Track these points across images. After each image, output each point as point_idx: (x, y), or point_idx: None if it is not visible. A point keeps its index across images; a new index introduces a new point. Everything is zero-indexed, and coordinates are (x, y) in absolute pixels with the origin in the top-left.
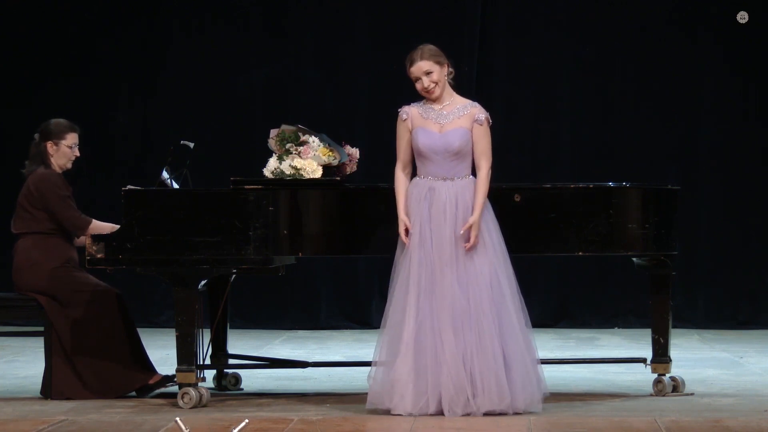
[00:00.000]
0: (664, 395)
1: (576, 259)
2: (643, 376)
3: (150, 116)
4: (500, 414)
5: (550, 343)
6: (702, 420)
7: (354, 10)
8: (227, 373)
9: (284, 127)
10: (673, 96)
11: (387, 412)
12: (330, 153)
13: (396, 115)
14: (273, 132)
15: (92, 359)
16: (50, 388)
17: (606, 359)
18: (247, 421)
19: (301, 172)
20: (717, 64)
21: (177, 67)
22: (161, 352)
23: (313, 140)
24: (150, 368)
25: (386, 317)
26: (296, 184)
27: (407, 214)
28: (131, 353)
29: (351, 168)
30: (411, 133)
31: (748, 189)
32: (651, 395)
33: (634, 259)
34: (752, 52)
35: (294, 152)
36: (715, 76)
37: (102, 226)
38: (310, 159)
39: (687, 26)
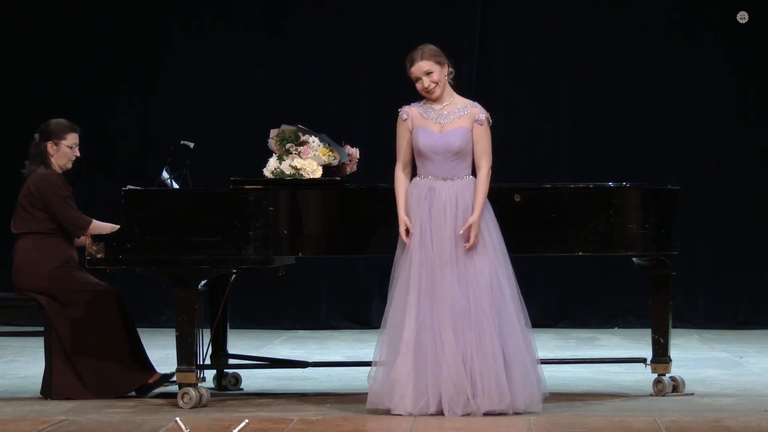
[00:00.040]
0: (664, 395)
1: (576, 259)
2: (643, 376)
3: (150, 116)
4: (500, 414)
5: (550, 343)
6: (702, 420)
7: (354, 10)
8: (227, 373)
9: (284, 127)
10: (673, 96)
11: (387, 412)
12: (330, 153)
13: (396, 115)
14: (273, 132)
15: (92, 359)
16: (50, 388)
17: (606, 359)
18: (247, 421)
19: (301, 172)
20: (717, 64)
21: (177, 67)
22: (161, 352)
23: (313, 140)
24: (149, 368)
25: (386, 317)
26: (296, 184)
27: (407, 214)
28: (131, 353)
29: (351, 168)
30: (411, 133)
31: (748, 189)
32: (651, 395)
33: (634, 259)
34: (752, 52)
35: (294, 152)
36: (715, 76)
37: (102, 226)
38: (310, 159)
39: (687, 26)
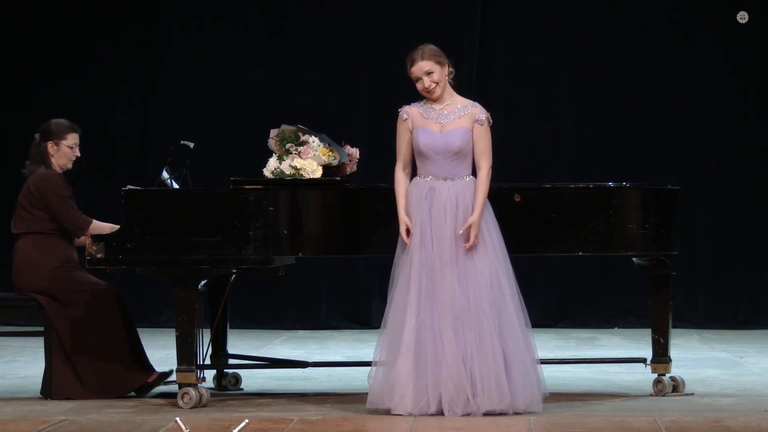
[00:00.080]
0: (664, 395)
1: (576, 259)
2: (643, 376)
3: (150, 116)
4: (500, 414)
5: (550, 343)
6: (702, 420)
7: (354, 10)
8: (227, 373)
9: (284, 127)
10: (673, 96)
11: (387, 412)
12: (330, 153)
13: (396, 115)
14: (273, 132)
15: (92, 359)
16: (50, 388)
17: (606, 359)
18: (247, 421)
19: (301, 172)
20: (717, 64)
21: (177, 67)
22: (161, 352)
23: (313, 140)
24: (149, 368)
25: (386, 317)
26: (296, 184)
27: (407, 214)
28: (131, 353)
29: (351, 168)
30: (411, 133)
31: (748, 189)
32: (651, 395)
33: (634, 259)
34: (752, 52)
35: (294, 152)
36: (715, 76)
37: (102, 227)
38: (310, 159)
39: (687, 26)
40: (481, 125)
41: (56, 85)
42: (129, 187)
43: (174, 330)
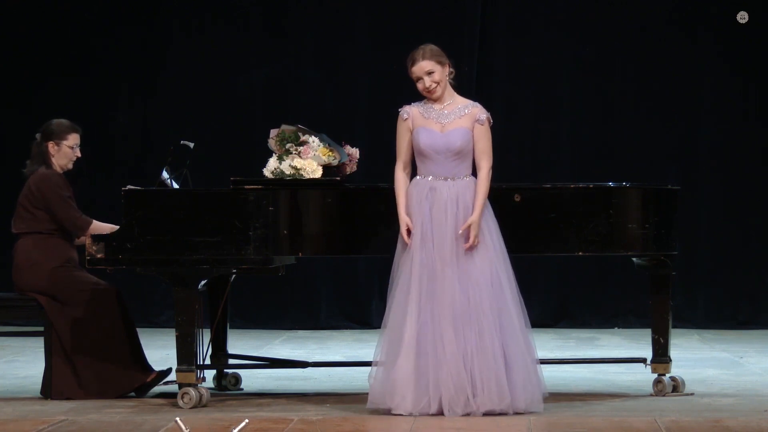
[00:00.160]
0: (664, 395)
1: (576, 259)
2: (643, 376)
3: (150, 116)
4: (500, 414)
5: (550, 343)
6: (702, 420)
7: (354, 10)
8: (227, 373)
9: (284, 127)
10: (673, 96)
11: (388, 412)
12: (330, 153)
13: (396, 115)
14: (273, 132)
15: (92, 359)
16: (50, 388)
17: (606, 359)
18: (247, 421)
19: (301, 172)
20: (717, 64)
21: (177, 67)
22: (161, 352)
23: (313, 140)
24: (148, 368)
25: (387, 317)
26: (296, 184)
27: (408, 214)
28: (131, 353)
29: (351, 168)
30: (412, 132)
31: (748, 189)
32: (651, 395)
33: (634, 259)
34: (752, 52)
35: (294, 152)
36: (715, 76)
37: (102, 227)
38: (310, 159)
39: (687, 26)
40: (482, 125)
41: (56, 85)
42: (129, 187)
43: (174, 330)
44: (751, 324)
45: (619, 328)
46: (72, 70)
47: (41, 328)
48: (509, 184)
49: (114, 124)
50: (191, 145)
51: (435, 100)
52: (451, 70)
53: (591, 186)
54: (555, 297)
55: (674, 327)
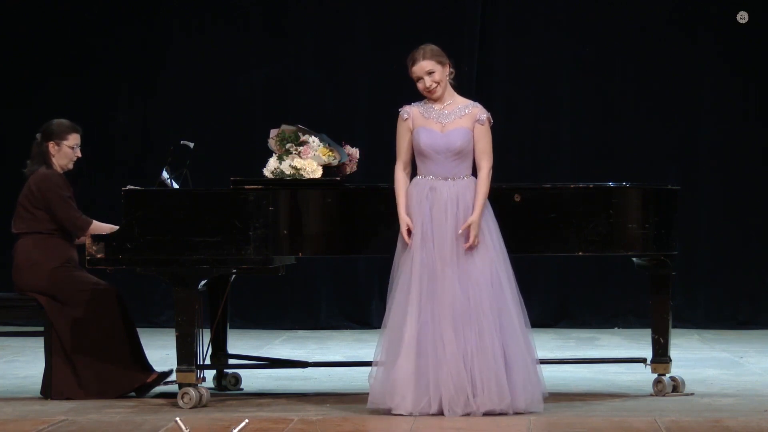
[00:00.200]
0: (664, 395)
1: (576, 259)
2: (643, 376)
3: (150, 116)
4: (500, 414)
5: (550, 343)
6: (702, 420)
7: (354, 10)
8: (227, 373)
9: (284, 127)
10: (673, 96)
11: (388, 412)
12: (330, 153)
13: (396, 115)
14: (273, 132)
15: (92, 359)
16: (50, 388)
17: (606, 359)
18: (247, 421)
19: (301, 172)
20: (717, 64)
21: (177, 67)
22: (161, 352)
23: (313, 140)
24: (148, 368)
25: (387, 317)
26: (296, 184)
27: (408, 214)
28: (131, 353)
29: (351, 168)
30: (412, 132)
31: (748, 189)
32: (651, 395)
33: (634, 259)
34: (752, 52)
35: (294, 152)
36: (715, 76)
37: (102, 227)
38: (310, 159)
39: (687, 26)
40: (482, 125)
41: (56, 85)
42: (129, 187)
43: (174, 330)
44: (751, 324)
45: (619, 328)
46: (72, 70)
47: (41, 328)
48: (509, 184)
49: (114, 124)
50: (191, 145)
51: (435, 100)
52: (452, 70)
53: (591, 186)
54: (555, 297)
55: (674, 327)
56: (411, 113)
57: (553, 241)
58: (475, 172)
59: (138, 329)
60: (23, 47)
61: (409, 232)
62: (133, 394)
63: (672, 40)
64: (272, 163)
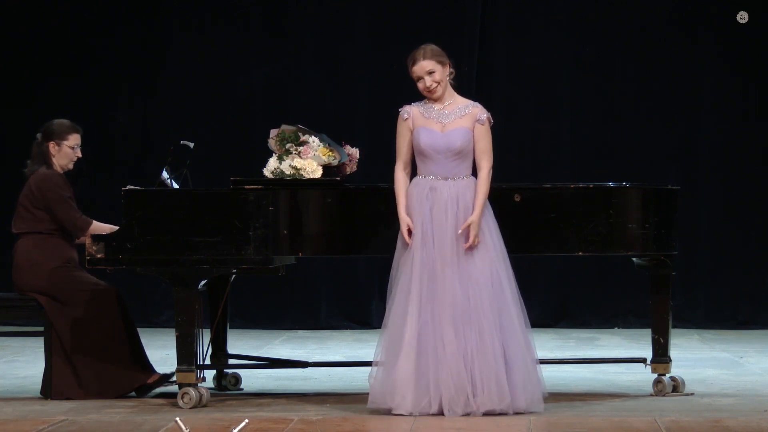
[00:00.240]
0: (664, 395)
1: (576, 259)
2: (643, 376)
3: (150, 116)
4: (500, 414)
5: (550, 343)
6: (702, 420)
7: (354, 10)
8: (227, 373)
9: (284, 127)
10: (673, 96)
11: (388, 412)
12: (330, 153)
13: (396, 115)
14: (273, 132)
15: (92, 359)
16: (50, 388)
17: (606, 359)
18: (247, 421)
19: (301, 172)
20: (717, 64)
21: (177, 67)
22: (161, 352)
23: (313, 140)
24: (149, 368)
25: (387, 317)
26: (296, 184)
27: (408, 214)
28: (131, 353)
29: (351, 168)
30: (412, 132)
31: (748, 189)
32: (651, 395)
33: (634, 259)
34: (752, 52)
35: (294, 152)
36: (715, 76)
37: (102, 228)
38: (310, 159)
39: (687, 26)
40: (482, 125)
41: (56, 85)
42: (129, 187)
43: (174, 330)
44: (751, 324)
45: (619, 328)
46: (72, 70)
47: (41, 328)
48: (509, 184)
49: (114, 124)
50: (191, 145)
51: (435, 100)
52: (452, 70)
53: (591, 186)
54: (555, 297)
55: (674, 327)
56: (411, 113)
57: (553, 241)
58: (475, 172)
59: (138, 329)
60: (23, 47)
61: (410, 232)
62: (133, 394)
63: (672, 40)
64: (272, 163)
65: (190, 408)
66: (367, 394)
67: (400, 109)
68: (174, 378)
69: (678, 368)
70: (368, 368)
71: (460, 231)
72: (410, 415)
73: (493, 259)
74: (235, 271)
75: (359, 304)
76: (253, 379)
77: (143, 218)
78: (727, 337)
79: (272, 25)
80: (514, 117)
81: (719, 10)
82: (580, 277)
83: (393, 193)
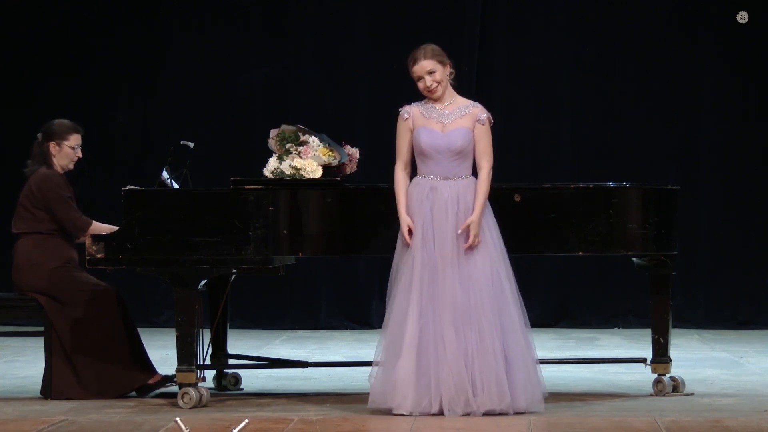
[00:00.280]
0: (664, 395)
1: (576, 259)
2: (643, 376)
3: (150, 116)
4: (500, 414)
5: (550, 343)
6: (702, 420)
7: (354, 10)
8: (227, 373)
9: (284, 127)
10: (673, 96)
11: (389, 412)
12: (330, 153)
13: (396, 114)
14: (273, 132)
15: (92, 359)
16: (50, 388)
17: (606, 359)
18: (247, 421)
19: (301, 172)
20: (717, 64)
21: (177, 67)
22: (161, 352)
23: (313, 140)
24: (150, 368)
25: (388, 317)
26: (296, 184)
27: (408, 214)
28: (131, 353)
29: (351, 168)
30: (412, 132)
31: (748, 189)
32: (651, 395)
33: (634, 259)
34: (752, 52)
35: (294, 152)
36: (715, 76)
37: (102, 228)
38: (310, 159)
39: (687, 26)
40: (483, 125)
41: (56, 85)
42: (129, 187)
43: (174, 330)
44: (751, 324)
45: (619, 328)
46: (72, 70)
47: (41, 328)
48: (509, 184)
49: (114, 124)
50: (191, 145)
51: (435, 100)
52: (452, 70)
53: (591, 186)
54: (555, 297)
55: (674, 327)
56: (411, 113)
57: (553, 241)
58: (475, 172)
59: (138, 329)
60: (23, 47)
61: (410, 232)
62: (133, 394)
63: (672, 40)
64: (272, 163)
65: (190, 408)
66: (367, 394)
67: (400, 109)
68: (175, 379)
69: (678, 368)
70: (368, 368)
71: (460, 231)
72: (410, 415)
73: (493, 259)
74: (235, 271)
75: (359, 304)
76: (253, 379)
77: (143, 218)
78: (727, 337)
79: (272, 25)
80: (514, 117)
81: (719, 10)
82: (580, 277)
83: (393, 193)
